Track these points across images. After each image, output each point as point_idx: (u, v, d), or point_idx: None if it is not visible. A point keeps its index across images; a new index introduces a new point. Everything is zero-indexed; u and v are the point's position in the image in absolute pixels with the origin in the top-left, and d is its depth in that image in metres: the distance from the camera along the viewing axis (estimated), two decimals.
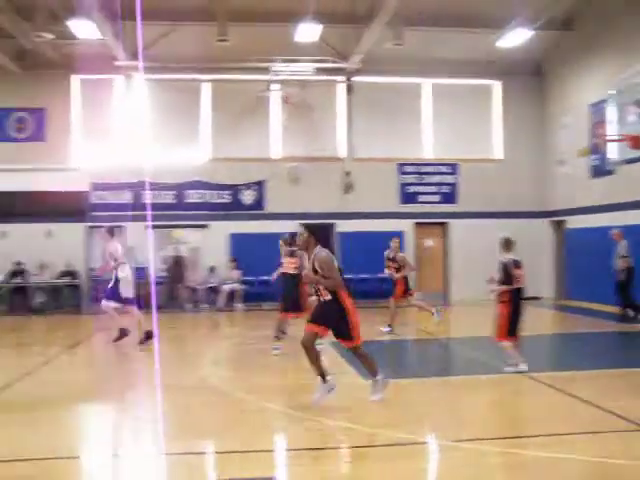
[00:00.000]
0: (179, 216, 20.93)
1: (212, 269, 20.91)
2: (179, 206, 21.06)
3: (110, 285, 13.02)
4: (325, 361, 8.31)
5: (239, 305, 20.36)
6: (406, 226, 21.65)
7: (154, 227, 19.87)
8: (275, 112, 21.68)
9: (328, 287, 7.74)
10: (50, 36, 17.71)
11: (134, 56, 19.37)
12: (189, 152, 21.17)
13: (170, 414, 7.63)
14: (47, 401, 8.67)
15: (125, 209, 19.51)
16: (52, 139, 20.62)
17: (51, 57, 19.60)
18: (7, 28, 17.72)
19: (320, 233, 7.98)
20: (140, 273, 19.66)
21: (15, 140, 20.59)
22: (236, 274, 20.53)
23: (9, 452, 6.38)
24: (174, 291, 20.48)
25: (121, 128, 20.50)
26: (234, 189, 21.39)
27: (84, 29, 16.70)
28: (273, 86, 21.24)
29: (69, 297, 20.11)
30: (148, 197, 20.27)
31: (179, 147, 20.88)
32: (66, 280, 20.16)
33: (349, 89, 21.77)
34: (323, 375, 7.88)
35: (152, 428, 7.11)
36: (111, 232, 13.47)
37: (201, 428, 7.25)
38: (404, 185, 22.10)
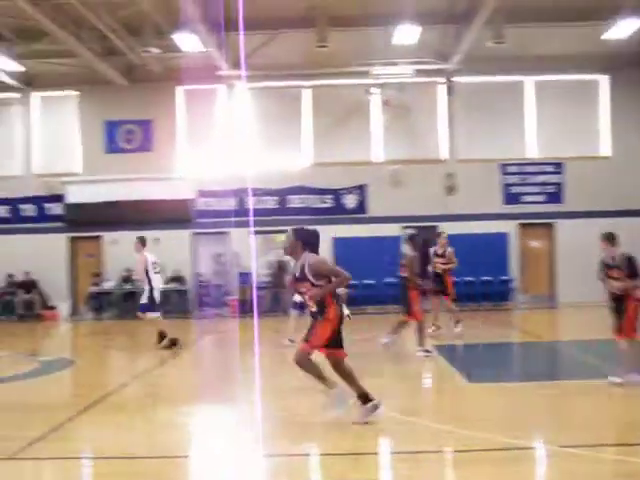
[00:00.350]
0: (282, 221, 21.16)
1: None
2: (282, 211, 21.35)
3: (146, 295, 13.37)
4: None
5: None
6: (510, 227, 21.23)
7: (258, 232, 20.28)
8: (375, 115, 21.68)
9: (341, 285, 7.31)
10: (156, 51, 18.38)
11: (236, 65, 19.81)
12: (291, 157, 21.45)
13: (275, 415, 7.75)
14: (156, 402, 8.96)
15: (229, 215, 19.96)
16: (159, 149, 21.34)
17: (157, 70, 20.30)
18: (118, 46, 18.49)
19: (309, 239, 7.32)
20: (244, 278, 20.15)
21: (124, 151, 21.42)
22: None
23: (116, 450, 6.61)
24: (278, 296, 20.77)
25: (224, 136, 20.97)
26: (336, 193, 21.52)
27: (188, 42, 17.24)
28: (373, 89, 21.26)
29: (177, 302, 20.68)
30: (251, 203, 20.66)
31: (281, 153, 21.20)
32: (174, 285, 20.75)
33: (449, 90, 21.54)
34: (365, 395, 7.26)
35: (256, 429, 7.22)
36: (143, 242, 13.69)
37: (306, 429, 7.30)
38: (507, 185, 21.66)
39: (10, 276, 21.25)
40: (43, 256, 20.92)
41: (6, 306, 21.05)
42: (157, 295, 13.37)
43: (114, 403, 8.95)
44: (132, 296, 20.77)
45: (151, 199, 20.72)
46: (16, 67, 19.47)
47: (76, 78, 20.89)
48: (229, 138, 20.85)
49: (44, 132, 21.88)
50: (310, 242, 7.30)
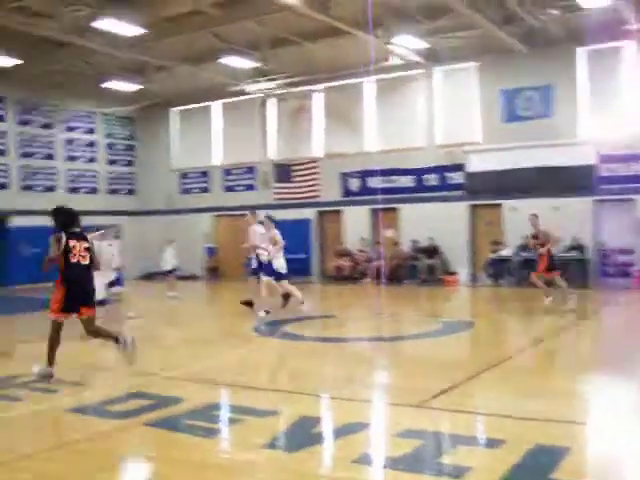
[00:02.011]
0: None
1: None
2: None
3: (267, 263, 14.46)
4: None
5: None
6: None
7: None
8: None
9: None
10: (556, 12, 17.86)
11: None
12: None
13: None
14: (552, 368, 8.90)
15: (635, 181, 18.75)
16: (558, 114, 20.73)
17: (557, 33, 19.73)
18: (516, 12, 18.32)
19: (64, 216, 8.43)
20: None
21: (523, 118, 21.24)
22: None
23: (509, 410, 6.70)
24: None
25: (632, 96, 19.63)
26: None
27: None
28: None
29: (576, 271, 20.04)
30: None
31: None
32: (573, 254, 20.15)
33: None
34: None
35: None
36: (271, 220, 14.85)
37: None
38: None
39: (414, 242, 22.62)
40: (445, 223, 21.83)
41: (410, 270, 22.48)
42: (277, 263, 14.48)
43: (511, 366, 9.10)
44: (530, 263, 20.71)
45: (551, 166, 20.28)
46: (421, 44, 20.49)
47: (475, 49, 21.26)
48: (637, 98, 19.47)
49: (445, 104, 22.73)
50: (63, 219, 8.36)
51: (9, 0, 16.92)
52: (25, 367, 8.57)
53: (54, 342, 8.22)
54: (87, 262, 8.34)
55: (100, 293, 12.58)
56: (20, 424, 6.94)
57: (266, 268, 14.54)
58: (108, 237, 14.01)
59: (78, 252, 8.23)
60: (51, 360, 8.27)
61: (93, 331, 8.56)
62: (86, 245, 8.38)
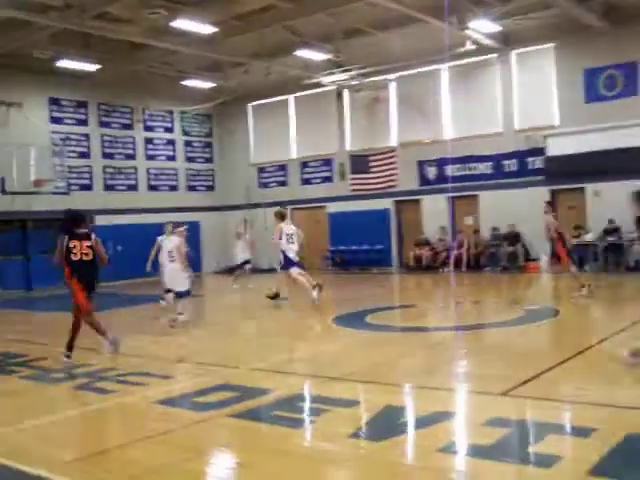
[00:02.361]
0: None
1: None
2: None
3: (285, 256, 14.80)
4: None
5: None
6: None
7: None
8: None
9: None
10: None
11: None
12: None
13: None
14: None
15: None
16: None
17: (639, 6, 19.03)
18: None
19: (67, 220, 9.57)
20: None
21: (605, 98, 20.57)
22: None
23: (601, 398, 6.57)
24: None
25: None
26: None
27: None
28: None
29: None
30: None
31: None
32: None
33: None
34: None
35: None
36: (277, 214, 15.26)
37: None
38: None
39: (495, 229, 22.27)
40: (525, 209, 21.35)
41: (491, 258, 22.15)
42: (291, 254, 14.87)
43: (599, 353, 8.90)
44: (616, 248, 20.11)
45: (636, 146, 19.57)
46: (494, 28, 20.10)
47: (552, 29, 20.68)
48: None
49: (522, 88, 22.22)
50: (68, 223, 9.48)
51: (91, 8, 17.41)
52: (114, 361, 8.84)
53: (96, 323, 9.68)
54: (90, 258, 9.49)
55: (185, 284, 13.00)
56: (112, 415, 7.19)
57: (286, 260, 14.94)
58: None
59: (79, 251, 9.36)
60: (104, 333, 9.69)
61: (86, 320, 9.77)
62: (88, 244, 9.47)
